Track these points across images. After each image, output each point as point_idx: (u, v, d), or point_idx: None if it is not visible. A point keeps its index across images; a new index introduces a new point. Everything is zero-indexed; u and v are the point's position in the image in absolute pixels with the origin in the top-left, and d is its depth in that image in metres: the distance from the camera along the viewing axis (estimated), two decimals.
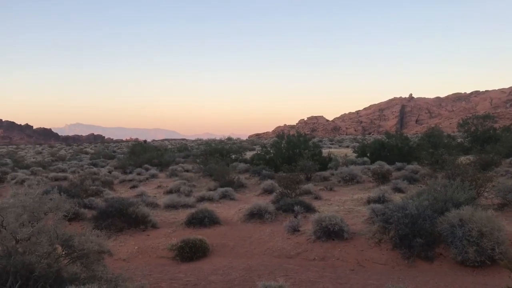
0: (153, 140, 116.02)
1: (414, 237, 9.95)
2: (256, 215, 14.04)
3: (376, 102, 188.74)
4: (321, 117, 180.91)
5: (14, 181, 27.88)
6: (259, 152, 32.17)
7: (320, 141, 67.62)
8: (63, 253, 6.40)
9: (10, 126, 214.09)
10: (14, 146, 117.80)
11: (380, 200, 14.89)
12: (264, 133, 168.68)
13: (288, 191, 17.06)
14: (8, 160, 44.68)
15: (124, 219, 13.63)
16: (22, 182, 26.71)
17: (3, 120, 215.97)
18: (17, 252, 5.75)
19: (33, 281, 5.57)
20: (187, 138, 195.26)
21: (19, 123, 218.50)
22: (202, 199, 18.25)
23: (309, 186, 18.93)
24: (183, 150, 53.97)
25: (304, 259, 10.73)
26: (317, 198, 17.31)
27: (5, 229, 5.82)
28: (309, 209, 14.22)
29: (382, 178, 20.53)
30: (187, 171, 30.81)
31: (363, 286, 8.41)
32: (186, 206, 16.58)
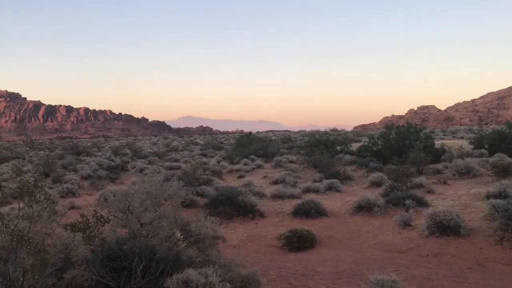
0: (258, 132, 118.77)
1: None
2: (364, 208, 13.75)
3: (495, 90, 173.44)
4: (433, 106, 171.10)
5: (134, 169, 30.31)
6: (366, 143, 31.34)
7: (432, 132, 64.07)
8: (181, 237, 6.81)
9: (129, 119, 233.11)
10: (133, 138, 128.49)
11: (501, 195, 13.73)
12: (370, 124, 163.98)
13: (398, 184, 16.42)
14: (128, 151, 48.61)
15: (234, 207, 14.14)
16: (141, 170, 28.94)
17: (123, 113, 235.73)
18: (142, 234, 6.22)
19: (155, 263, 5.98)
20: (290, 129, 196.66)
21: (136, 116, 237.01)
22: (307, 190, 18.29)
23: (421, 179, 18.08)
24: (287, 141, 54.40)
25: (416, 254, 10.31)
26: (429, 192, 16.48)
27: (131, 213, 6.33)
28: (421, 203, 13.60)
29: (503, 171, 18.90)
30: (291, 162, 31.01)
31: (483, 286, 7.87)
32: (292, 196, 16.74)
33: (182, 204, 7.27)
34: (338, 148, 35.04)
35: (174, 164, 32.90)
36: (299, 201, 14.81)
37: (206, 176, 21.65)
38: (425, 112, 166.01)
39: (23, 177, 4.70)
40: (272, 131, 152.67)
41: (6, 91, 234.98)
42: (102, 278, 5.79)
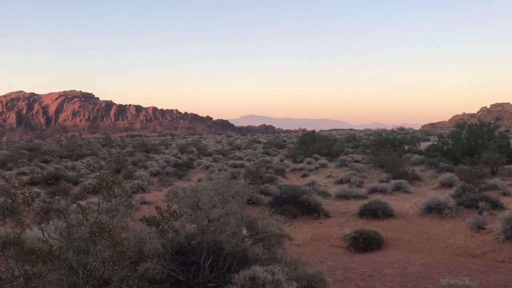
0: (321, 130, 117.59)
1: None
2: (434, 209, 13.27)
3: None
4: (508, 104, 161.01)
5: (199, 167, 31.07)
6: (435, 142, 30.24)
7: (507, 131, 60.43)
8: (248, 234, 6.89)
9: (194, 118, 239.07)
10: (198, 136, 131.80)
11: None
12: (439, 122, 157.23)
13: (471, 185, 15.67)
14: (194, 149, 49.89)
15: (298, 206, 14.11)
16: (206, 168, 29.60)
17: (189, 113, 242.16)
18: (210, 230, 6.36)
19: (223, 258, 6.09)
20: (354, 128, 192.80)
21: (201, 115, 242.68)
22: (374, 190, 17.91)
23: (495, 180, 17.24)
24: (351, 140, 53.47)
25: (491, 259, 9.79)
26: (505, 194, 15.67)
27: (200, 209, 6.50)
28: (496, 205, 12.93)
29: None
30: (356, 161, 30.47)
31: None
32: (357, 197, 16.47)
33: (247, 202, 7.36)
34: (406, 147, 34.07)
35: (238, 162, 33.37)
36: (365, 202, 14.55)
37: (270, 174, 21.76)
38: (499, 110, 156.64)
39: (102, 172, 4.97)
40: (335, 130, 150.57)
41: (81, 91, 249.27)
42: (172, 272, 5.99)
